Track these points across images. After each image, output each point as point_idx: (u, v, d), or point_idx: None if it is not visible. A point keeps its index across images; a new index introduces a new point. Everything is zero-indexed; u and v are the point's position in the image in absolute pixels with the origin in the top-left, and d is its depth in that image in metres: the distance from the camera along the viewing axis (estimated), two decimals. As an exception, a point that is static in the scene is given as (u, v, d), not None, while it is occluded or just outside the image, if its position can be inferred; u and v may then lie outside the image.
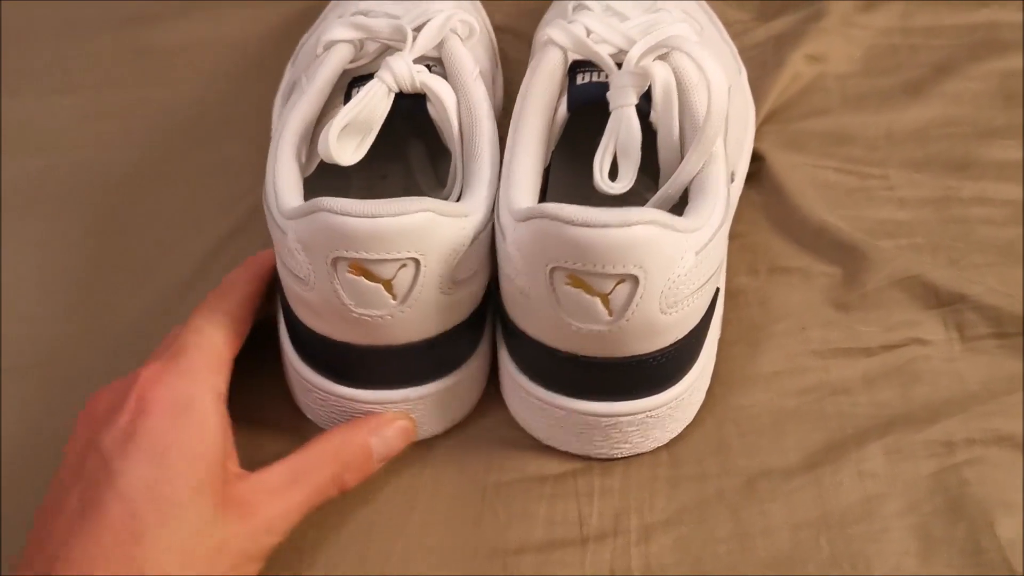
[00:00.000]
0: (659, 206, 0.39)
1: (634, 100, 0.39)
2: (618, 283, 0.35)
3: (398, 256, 0.36)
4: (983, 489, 0.39)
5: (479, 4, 0.56)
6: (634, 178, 0.39)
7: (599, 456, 0.41)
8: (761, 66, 0.57)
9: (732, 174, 0.46)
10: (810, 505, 0.39)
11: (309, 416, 0.43)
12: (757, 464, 0.41)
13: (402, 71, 0.41)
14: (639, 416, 0.39)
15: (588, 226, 0.34)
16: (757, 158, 0.52)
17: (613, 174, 0.39)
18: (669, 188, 0.39)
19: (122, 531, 0.34)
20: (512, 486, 0.41)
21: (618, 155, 0.39)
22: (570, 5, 0.47)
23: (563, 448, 0.41)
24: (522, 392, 0.40)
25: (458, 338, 0.40)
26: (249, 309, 0.42)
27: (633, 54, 0.39)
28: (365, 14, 0.46)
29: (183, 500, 0.35)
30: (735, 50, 0.54)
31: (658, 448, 0.41)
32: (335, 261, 0.36)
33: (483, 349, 0.43)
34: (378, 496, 0.41)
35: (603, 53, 0.40)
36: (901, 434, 0.41)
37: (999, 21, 0.59)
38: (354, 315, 0.37)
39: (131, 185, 0.55)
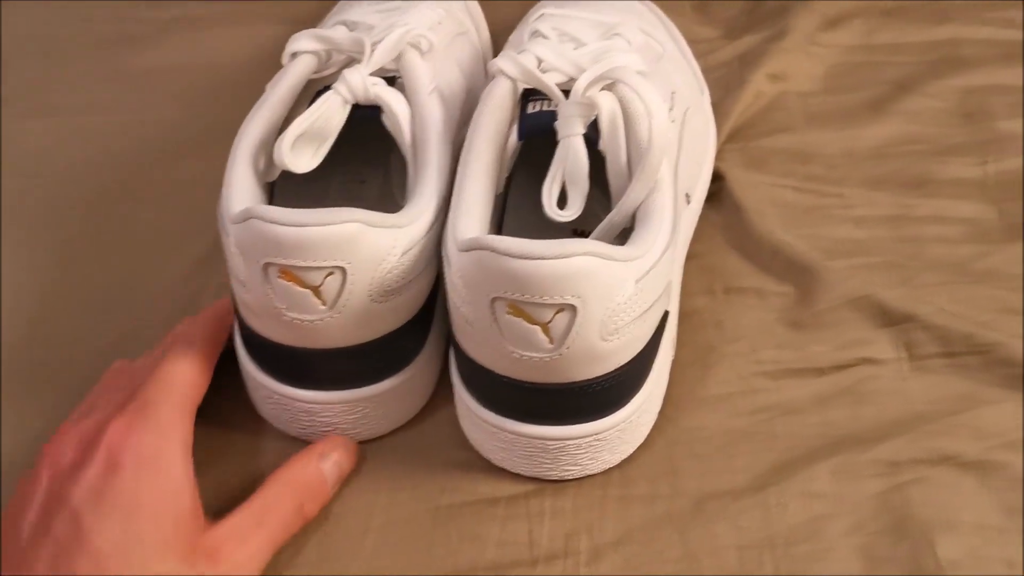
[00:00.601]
0: (606, 233, 0.40)
1: (581, 130, 0.40)
2: (557, 312, 0.36)
3: (324, 264, 0.37)
4: (927, 509, 0.40)
5: (475, 4, 0.57)
6: (582, 206, 0.39)
7: (550, 478, 0.42)
8: (725, 86, 0.57)
9: (688, 196, 0.46)
10: (757, 526, 0.40)
11: (261, 413, 0.44)
12: (706, 485, 0.41)
13: (356, 83, 0.42)
14: (587, 439, 0.40)
15: (526, 258, 0.35)
16: (718, 178, 0.53)
17: (565, 202, 0.40)
18: (615, 216, 0.40)
19: None
20: (464, 508, 0.41)
21: (567, 183, 0.40)
22: (527, 31, 0.48)
23: (514, 470, 0.42)
24: (473, 415, 0.41)
25: (398, 342, 0.42)
26: (213, 353, 0.43)
27: (579, 85, 0.40)
28: (351, 24, 0.47)
29: (152, 557, 0.35)
30: (698, 71, 0.54)
31: (610, 469, 0.42)
32: (266, 266, 0.37)
33: (428, 352, 0.44)
34: (332, 520, 0.41)
35: (551, 83, 0.41)
36: (848, 454, 0.42)
37: (960, 37, 0.60)
38: (287, 318, 0.39)
39: (109, 206, 0.56)
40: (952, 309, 0.46)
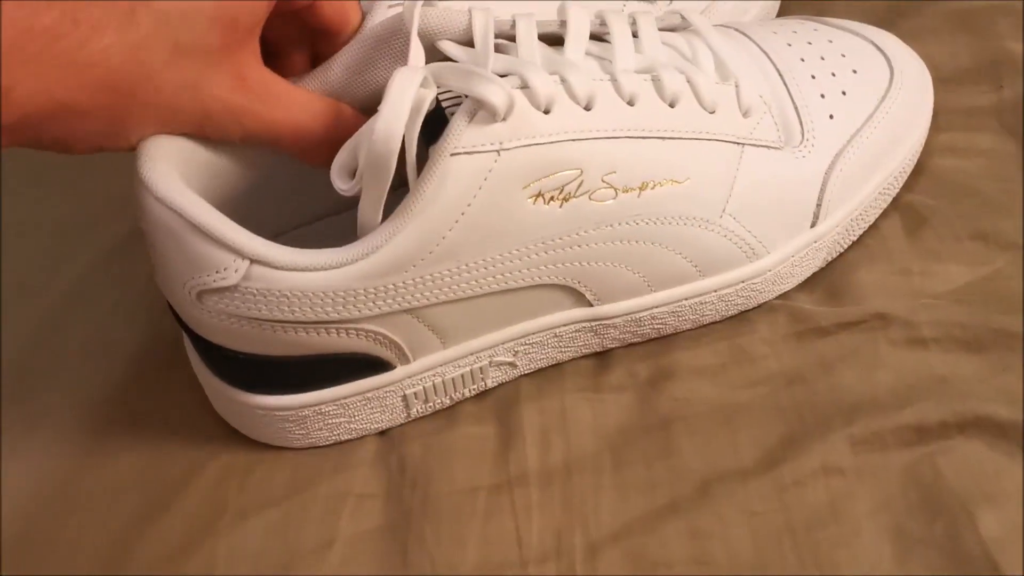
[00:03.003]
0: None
1: None
2: None
3: None
4: (960, 481, 0.35)
5: None
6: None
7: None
8: None
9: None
10: (772, 509, 0.35)
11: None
12: (710, 466, 0.37)
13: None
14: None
15: None
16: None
17: None
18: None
19: None
20: (441, 501, 0.36)
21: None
22: None
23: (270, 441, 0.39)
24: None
25: None
26: None
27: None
28: None
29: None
30: None
31: (600, 452, 0.37)
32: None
33: None
34: (290, 527, 0.36)
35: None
36: (867, 422, 0.37)
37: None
38: None
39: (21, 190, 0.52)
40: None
